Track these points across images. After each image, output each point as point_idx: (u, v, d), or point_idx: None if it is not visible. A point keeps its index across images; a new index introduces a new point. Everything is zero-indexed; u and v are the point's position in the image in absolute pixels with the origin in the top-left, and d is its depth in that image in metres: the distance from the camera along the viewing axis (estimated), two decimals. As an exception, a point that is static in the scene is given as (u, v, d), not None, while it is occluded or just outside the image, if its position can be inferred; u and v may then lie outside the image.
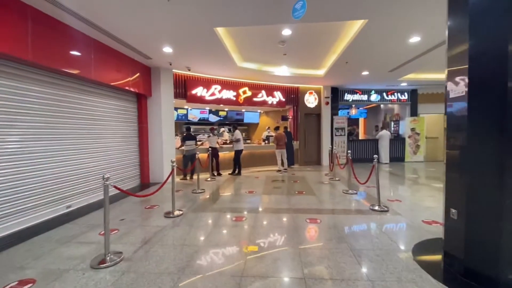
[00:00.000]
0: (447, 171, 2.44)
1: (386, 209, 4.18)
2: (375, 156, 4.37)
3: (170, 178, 4.23)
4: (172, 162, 4.26)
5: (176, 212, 4.13)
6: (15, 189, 3.55)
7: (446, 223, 2.47)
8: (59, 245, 3.08)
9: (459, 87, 2.25)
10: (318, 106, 9.80)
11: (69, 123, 4.51)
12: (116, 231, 3.49)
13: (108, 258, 2.63)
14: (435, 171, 8.28)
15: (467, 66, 2.15)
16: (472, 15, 2.12)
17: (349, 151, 5.61)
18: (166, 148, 6.92)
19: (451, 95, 2.33)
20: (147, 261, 2.64)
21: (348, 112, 12.81)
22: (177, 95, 7.36)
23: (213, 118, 11.54)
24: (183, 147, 7.29)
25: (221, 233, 3.36)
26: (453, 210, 2.34)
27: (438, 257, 2.60)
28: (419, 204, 4.57)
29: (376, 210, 4.16)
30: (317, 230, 3.38)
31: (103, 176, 2.64)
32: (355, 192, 5.38)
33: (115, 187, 2.85)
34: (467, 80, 2.15)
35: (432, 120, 11.16)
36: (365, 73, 7.69)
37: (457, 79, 2.27)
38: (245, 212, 4.21)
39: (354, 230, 3.38)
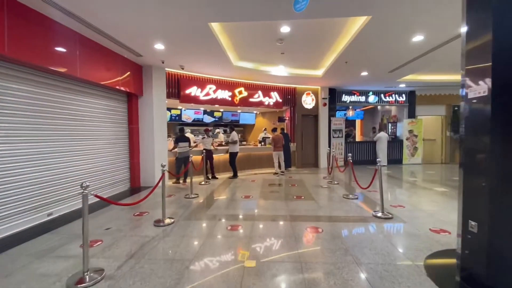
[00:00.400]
0: (464, 178, 2.22)
1: (390, 216, 3.96)
2: (379, 160, 4.15)
3: (161, 183, 3.93)
4: (163, 166, 3.97)
5: (167, 220, 3.84)
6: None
7: (463, 236, 2.24)
8: (33, 259, 2.76)
9: (480, 86, 2.02)
10: (316, 107, 9.59)
11: (53, 123, 4.19)
12: (99, 242, 3.19)
13: (87, 276, 2.33)
14: (434, 174, 8.14)
15: (490, 63, 1.93)
16: (497, 6, 1.90)
17: (349, 154, 5.38)
18: (158, 150, 6.61)
19: (471, 95, 2.11)
20: (132, 280, 2.35)
21: (345, 114, 12.64)
22: (170, 95, 7.06)
23: (208, 119, 11.25)
24: (176, 149, 6.99)
25: (215, 245, 3.08)
26: (472, 223, 2.11)
27: (454, 273, 2.36)
28: (422, 210, 4.36)
29: (380, 217, 3.93)
30: (319, 240, 3.13)
31: (82, 184, 2.34)
32: (356, 197, 5.15)
33: (96, 196, 2.55)
34: (490, 79, 1.93)
35: (429, 122, 11.08)
36: (364, 73, 7.51)
37: (478, 77, 2.05)
38: (241, 220, 3.94)
39: (359, 240, 3.14)
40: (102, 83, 5.01)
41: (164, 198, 3.90)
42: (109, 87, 5.35)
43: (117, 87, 5.47)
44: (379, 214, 4.01)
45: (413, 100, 10.73)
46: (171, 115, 10.28)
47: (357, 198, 5.08)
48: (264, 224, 3.77)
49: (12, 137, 3.53)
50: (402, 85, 9.58)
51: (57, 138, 4.27)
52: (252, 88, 8.56)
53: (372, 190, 5.52)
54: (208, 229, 3.57)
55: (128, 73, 5.87)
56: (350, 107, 11.89)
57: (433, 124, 11.20)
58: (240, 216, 4.13)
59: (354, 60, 6.19)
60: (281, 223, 3.78)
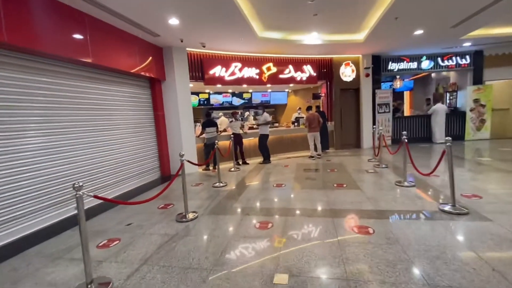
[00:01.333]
0: None
1: (464, 210, 3.05)
2: (447, 138, 3.18)
3: (179, 175, 3.52)
4: (181, 155, 3.54)
5: (190, 215, 3.46)
6: (12, 193, 3.10)
7: None
8: (47, 262, 2.58)
9: None
10: (357, 79, 8.37)
11: (73, 114, 3.98)
12: (117, 242, 2.92)
13: (91, 289, 2.01)
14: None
15: None
16: None
17: (404, 132, 4.39)
18: (185, 136, 6.30)
19: None
20: (139, 295, 1.97)
21: (391, 85, 11.03)
22: (193, 78, 6.61)
23: (237, 102, 10.72)
24: (203, 135, 6.63)
25: (239, 249, 2.58)
26: None
27: None
28: (509, 201, 3.33)
29: (450, 212, 3.05)
30: (371, 246, 2.44)
31: (74, 184, 1.96)
32: (412, 184, 4.23)
33: (95, 196, 2.18)
34: None
35: (500, 87, 9.07)
36: (419, 32, 6.12)
37: None
38: (272, 216, 3.38)
39: (426, 246, 2.37)
40: (121, 68, 4.70)
41: (185, 191, 3.49)
42: (129, 73, 5.04)
43: (138, 72, 5.14)
44: (448, 208, 3.13)
45: (479, 63, 8.80)
46: (199, 100, 9.98)
47: (414, 186, 4.17)
48: (298, 220, 3.17)
49: (30, 130, 3.36)
50: (467, 44, 7.80)
51: (78, 130, 4.08)
52: (281, 63, 7.69)
53: (432, 175, 4.51)
54: (233, 227, 3.09)
55: (148, 56, 5.50)
56: (398, 76, 10.27)
57: (505, 91, 9.17)
58: (271, 210, 3.58)
59: (407, 14, 4.96)
60: (320, 220, 3.14)
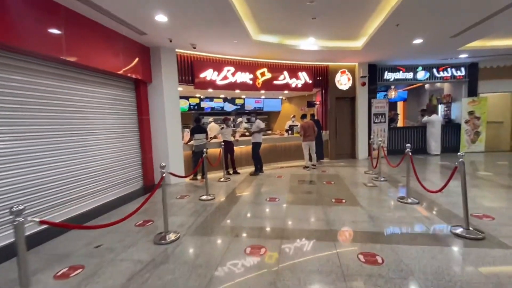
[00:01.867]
0: None
1: (480, 235, 2.73)
2: (461, 153, 2.87)
3: (159, 190, 3.08)
4: (162, 167, 3.11)
5: (171, 236, 3.01)
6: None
7: None
8: (-13, 299, 2.08)
9: None
10: (353, 88, 8.15)
11: (45, 117, 3.51)
12: (79, 270, 2.43)
13: None
14: (510, 165, 6.44)
15: None
16: None
17: (408, 145, 4.09)
18: (172, 143, 5.85)
19: None
20: None
21: (385, 95, 10.93)
22: (183, 81, 6.20)
23: (229, 107, 10.35)
24: (191, 142, 6.19)
25: (225, 282, 2.15)
26: None
27: None
28: (525, 223, 3.04)
29: (464, 237, 2.72)
30: (382, 282, 2.05)
31: (11, 208, 1.52)
32: (416, 201, 3.91)
33: (42, 222, 1.72)
34: None
35: (495, 100, 9.05)
36: (418, 41, 5.95)
37: None
38: (265, 238, 2.97)
39: (447, 283, 2.00)
40: (101, 68, 4.27)
41: (166, 208, 3.05)
42: (111, 73, 4.61)
43: (122, 72, 4.70)
44: (461, 231, 2.81)
45: (474, 75, 8.74)
46: (189, 104, 9.56)
47: (417, 203, 3.85)
48: (295, 245, 2.77)
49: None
50: (463, 56, 7.72)
51: (52, 133, 3.61)
52: (276, 69, 7.39)
53: (431, 189, 4.22)
54: (220, 252, 2.65)
55: (133, 56, 5.08)
56: (393, 86, 10.15)
57: (499, 103, 9.17)
58: (264, 231, 3.17)
59: (409, 21, 4.74)
60: (320, 244, 2.74)
